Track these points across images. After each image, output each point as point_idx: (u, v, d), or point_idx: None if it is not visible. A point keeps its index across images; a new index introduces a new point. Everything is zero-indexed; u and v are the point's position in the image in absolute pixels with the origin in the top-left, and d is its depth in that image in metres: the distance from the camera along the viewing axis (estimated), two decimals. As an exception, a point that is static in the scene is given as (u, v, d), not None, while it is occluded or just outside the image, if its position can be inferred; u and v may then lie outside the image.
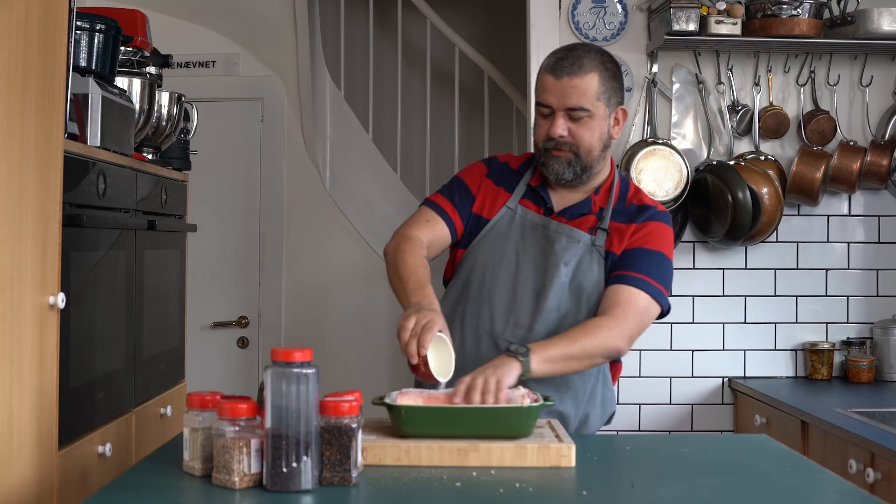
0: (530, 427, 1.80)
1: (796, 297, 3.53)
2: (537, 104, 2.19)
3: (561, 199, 2.25)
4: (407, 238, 2.20)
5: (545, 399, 1.85)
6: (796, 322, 3.53)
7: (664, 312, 2.21)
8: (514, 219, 2.24)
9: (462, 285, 2.26)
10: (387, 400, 1.83)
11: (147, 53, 2.86)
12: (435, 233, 2.25)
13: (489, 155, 2.39)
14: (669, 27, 3.25)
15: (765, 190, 3.33)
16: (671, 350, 3.51)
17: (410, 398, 1.86)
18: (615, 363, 2.32)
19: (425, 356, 1.90)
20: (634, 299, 2.14)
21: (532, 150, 2.36)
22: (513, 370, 1.93)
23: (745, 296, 3.52)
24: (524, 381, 1.96)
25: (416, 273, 2.10)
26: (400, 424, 1.79)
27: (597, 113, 2.15)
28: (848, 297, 3.54)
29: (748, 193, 3.27)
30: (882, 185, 3.47)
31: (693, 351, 3.52)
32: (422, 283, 2.08)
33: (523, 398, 1.86)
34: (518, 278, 2.20)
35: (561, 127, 2.15)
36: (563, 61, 2.14)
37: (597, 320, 2.11)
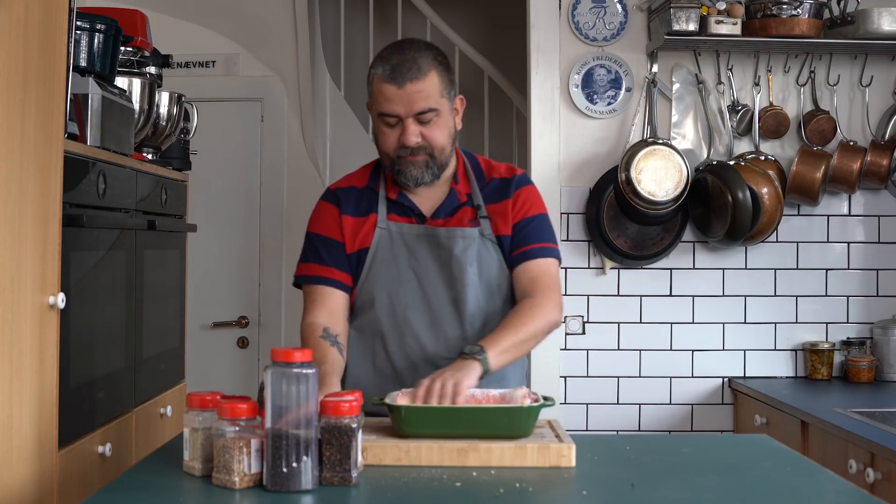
0: (530, 427, 1.80)
1: (796, 297, 3.53)
2: (381, 115, 2.10)
3: (426, 201, 2.20)
4: (305, 330, 2.14)
5: (545, 399, 1.85)
6: (796, 322, 3.53)
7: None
8: (392, 237, 2.18)
9: (371, 319, 2.17)
10: (387, 400, 1.83)
11: (147, 53, 2.86)
12: (329, 305, 2.16)
13: (329, 187, 2.30)
14: (669, 27, 3.25)
15: (765, 190, 3.33)
16: (671, 350, 3.51)
17: (410, 398, 1.86)
18: None
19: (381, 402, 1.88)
20: (546, 268, 2.18)
21: (373, 159, 2.29)
22: (473, 371, 1.92)
23: (745, 296, 3.52)
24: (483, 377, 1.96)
25: (323, 362, 2.02)
26: (400, 424, 1.79)
27: (443, 110, 2.11)
28: (848, 297, 3.53)
29: (748, 193, 3.27)
30: (882, 185, 3.46)
31: (693, 351, 3.52)
32: (324, 372, 1.98)
33: (524, 398, 1.86)
34: (427, 294, 2.16)
35: (413, 134, 2.09)
36: (401, 67, 2.07)
37: (529, 301, 2.13)
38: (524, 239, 2.19)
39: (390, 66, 2.08)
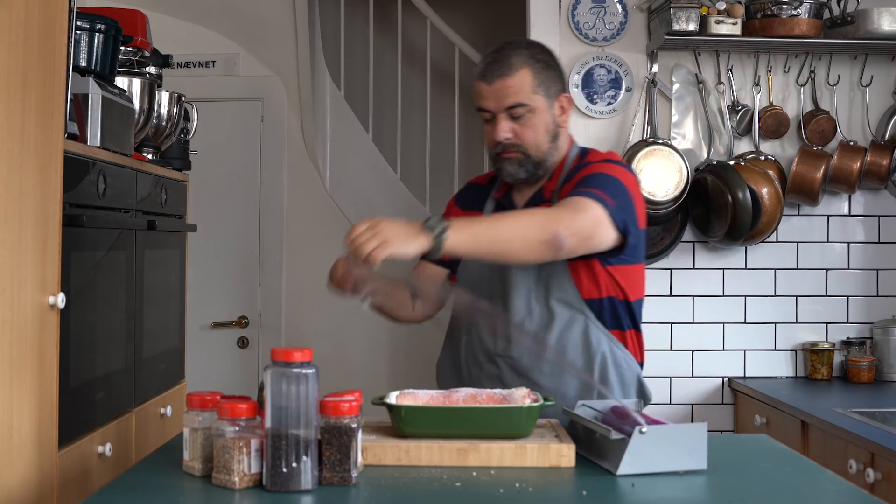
0: (530, 427, 1.80)
1: (796, 297, 3.54)
2: (478, 110, 2.19)
3: (523, 198, 2.26)
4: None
5: (545, 399, 1.85)
6: (796, 322, 3.53)
7: (622, 234, 2.07)
8: None
9: (455, 312, 2.32)
10: (387, 400, 1.83)
11: (147, 53, 2.86)
12: (425, 272, 2.33)
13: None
14: (669, 27, 3.25)
15: (765, 190, 3.33)
16: (671, 350, 3.51)
17: (410, 398, 1.86)
18: (625, 334, 2.24)
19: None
20: (579, 200, 2.02)
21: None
22: (414, 241, 1.82)
23: (745, 296, 3.52)
24: (435, 256, 1.90)
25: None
26: (400, 424, 1.79)
27: (537, 106, 2.15)
28: (848, 297, 3.54)
29: (748, 193, 3.27)
30: (882, 185, 3.47)
31: (693, 351, 3.52)
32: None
33: (524, 398, 1.86)
34: (493, 290, 2.21)
35: (504, 129, 2.15)
36: (492, 65, 2.15)
37: (532, 209, 2.16)
38: (580, 185, 2.08)
39: (485, 64, 2.17)
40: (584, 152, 2.28)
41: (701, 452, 1.72)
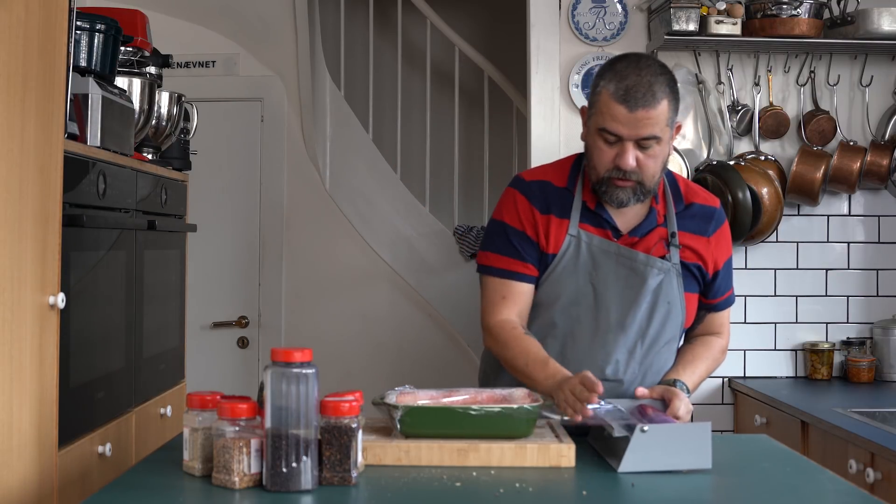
0: (530, 427, 1.80)
1: (796, 297, 3.53)
2: (602, 130, 2.05)
3: (623, 216, 2.16)
4: (499, 328, 2.13)
5: (545, 400, 1.85)
6: (796, 322, 3.53)
7: None
8: (581, 247, 2.14)
9: (540, 325, 2.17)
10: (387, 400, 1.83)
11: (147, 53, 2.86)
12: (519, 303, 2.15)
13: (516, 174, 2.29)
14: (669, 27, 3.25)
15: (765, 190, 3.33)
16: (671, 350, 3.51)
17: (410, 398, 1.86)
18: None
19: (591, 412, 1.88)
20: (729, 316, 2.34)
21: (571, 155, 2.28)
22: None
23: (745, 296, 3.52)
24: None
25: (529, 353, 2.07)
26: (400, 424, 1.79)
27: (664, 138, 2.06)
28: (848, 297, 3.53)
29: (748, 193, 3.27)
30: (882, 185, 3.46)
31: (693, 351, 3.51)
32: (539, 358, 2.05)
33: (524, 399, 1.86)
34: (598, 313, 2.13)
35: (632, 158, 2.04)
36: (636, 91, 2.01)
37: (713, 343, 2.28)
38: (722, 286, 2.27)
39: (625, 87, 2.02)
40: (674, 178, 2.25)
41: (705, 452, 1.72)
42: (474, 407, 1.81)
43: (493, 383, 2.23)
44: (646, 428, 1.70)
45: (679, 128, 2.15)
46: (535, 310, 2.18)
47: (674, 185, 2.23)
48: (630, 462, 1.70)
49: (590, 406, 1.86)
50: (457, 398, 1.88)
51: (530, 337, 2.10)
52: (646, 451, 1.70)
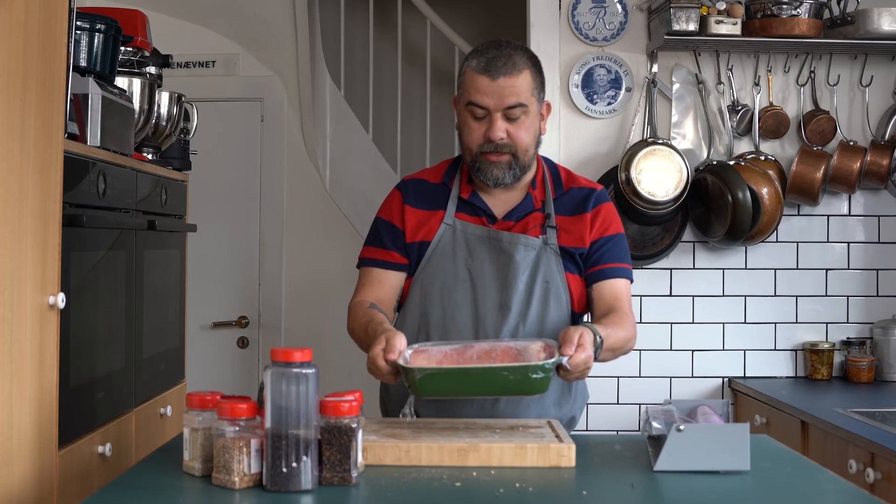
0: (546, 383, 1.79)
1: (796, 297, 3.53)
2: (469, 104, 2.11)
3: (499, 202, 2.21)
4: (353, 307, 2.18)
5: (560, 353, 1.83)
6: (796, 322, 3.53)
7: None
8: (456, 234, 2.19)
9: (419, 313, 2.20)
10: (400, 361, 1.82)
11: (147, 53, 2.86)
12: (381, 288, 2.21)
13: (404, 177, 2.35)
14: (669, 27, 3.25)
15: (765, 190, 3.33)
16: (671, 350, 3.51)
17: (425, 356, 1.86)
18: None
19: (394, 362, 1.84)
20: (624, 289, 2.22)
21: (450, 158, 2.32)
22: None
23: (745, 296, 3.52)
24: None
25: (371, 321, 2.05)
26: (415, 385, 1.78)
27: (531, 109, 2.12)
28: (848, 297, 3.54)
29: (748, 193, 3.27)
30: (882, 185, 3.47)
31: (693, 351, 3.52)
32: (376, 320, 2.03)
33: (539, 353, 1.85)
34: (477, 296, 2.17)
35: (500, 129, 2.10)
36: (496, 61, 2.09)
37: (620, 315, 2.14)
38: (603, 257, 2.21)
39: (486, 59, 2.11)
40: (557, 169, 2.29)
41: (743, 453, 1.71)
42: (488, 367, 1.78)
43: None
44: (682, 427, 1.70)
45: (549, 106, 2.21)
46: (416, 298, 2.21)
47: (555, 174, 2.28)
48: (666, 461, 1.70)
49: (650, 408, 1.87)
50: (471, 353, 1.87)
51: (373, 310, 2.12)
52: (682, 451, 1.70)
